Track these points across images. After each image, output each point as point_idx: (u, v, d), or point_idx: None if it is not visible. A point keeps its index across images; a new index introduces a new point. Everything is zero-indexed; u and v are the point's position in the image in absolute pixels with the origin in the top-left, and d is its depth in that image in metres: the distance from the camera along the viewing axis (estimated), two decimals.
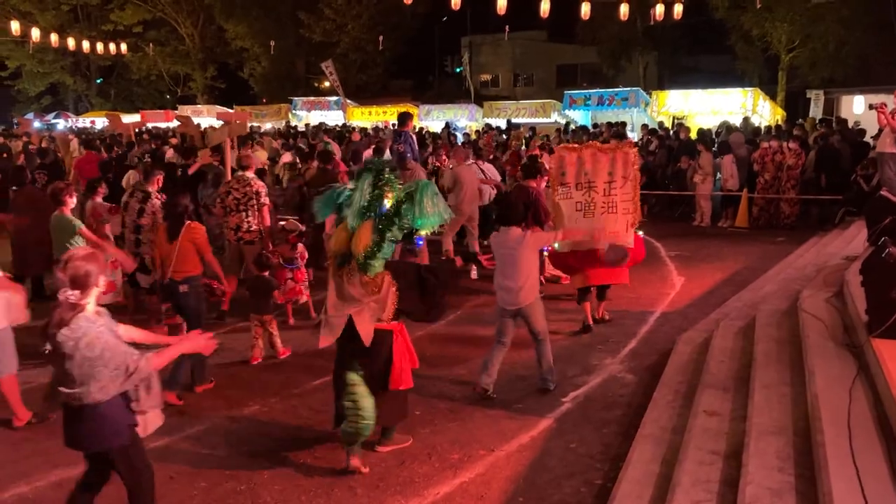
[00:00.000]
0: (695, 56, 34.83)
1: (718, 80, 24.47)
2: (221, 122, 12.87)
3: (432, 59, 42.45)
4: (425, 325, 6.40)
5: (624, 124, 17.91)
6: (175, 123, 24.27)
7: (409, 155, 9.92)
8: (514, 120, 22.32)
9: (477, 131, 21.51)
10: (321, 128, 23.02)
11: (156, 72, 37.86)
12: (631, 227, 7.14)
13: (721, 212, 13.12)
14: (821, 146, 12.78)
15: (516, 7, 15.91)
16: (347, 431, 4.44)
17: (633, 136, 17.75)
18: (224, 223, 8.04)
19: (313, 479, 4.44)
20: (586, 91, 22.94)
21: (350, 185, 4.49)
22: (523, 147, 15.44)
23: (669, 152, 14.46)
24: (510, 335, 5.69)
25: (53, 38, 23.78)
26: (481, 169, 10.12)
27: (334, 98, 28.51)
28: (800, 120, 18.47)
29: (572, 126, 20.12)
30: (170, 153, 13.37)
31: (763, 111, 19.56)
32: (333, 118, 27.37)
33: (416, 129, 19.71)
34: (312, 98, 30.20)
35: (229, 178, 8.68)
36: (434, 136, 20.09)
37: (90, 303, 3.30)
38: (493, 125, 21.68)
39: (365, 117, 26.53)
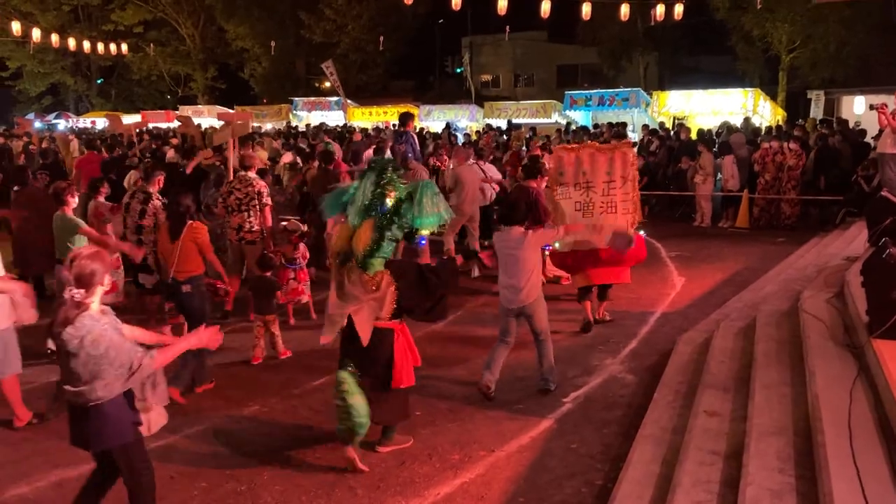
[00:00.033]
0: (695, 56, 34.80)
1: (719, 80, 24.45)
2: (222, 123, 12.86)
3: (433, 59, 42.47)
4: (426, 325, 6.40)
5: (625, 125, 17.89)
6: (176, 124, 24.30)
7: (410, 155, 9.93)
8: (514, 120, 22.31)
9: (477, 132, 21.51)
10: (322, 128, 23.02)
11: (156, 72, 37.89)
12: (631, 227, 7.12)
13: (721, 212, 13.11)
14: (820, 146, 12.78)
15: (517, 7, 15.94)
16: (342, 430, 4.46)
17: (634, 136, 17.73)
18: (226, 223, 8.05)
19: (314, 479, 4.44)
20: (587, 91, 22.95)
21: (355, 184, 4.51)
22: (524, 148, 15.42)
23: (670, 153, 14.43)
24: (514, 334, 5.70)
25: (54, 38, 23.82)
26: (482, 169, 10.12)
27: (335, 98, 28.52)
28: (800, 120, 18.45)
29: (573, 126, 20.10)
30: (170, 153, 13.39)
31: (764, 112, 19.55)
32: (334, 119, 27.37)
33: (417, 130, 19.71)
34: (313, 98, 30.18)
35: (231, 178, 8.69)
36: (435, 136, 20.09)
37: (95, 301, 3.31)
38: (494, 126, 21.66)
39: (365, 118, 26.52)
